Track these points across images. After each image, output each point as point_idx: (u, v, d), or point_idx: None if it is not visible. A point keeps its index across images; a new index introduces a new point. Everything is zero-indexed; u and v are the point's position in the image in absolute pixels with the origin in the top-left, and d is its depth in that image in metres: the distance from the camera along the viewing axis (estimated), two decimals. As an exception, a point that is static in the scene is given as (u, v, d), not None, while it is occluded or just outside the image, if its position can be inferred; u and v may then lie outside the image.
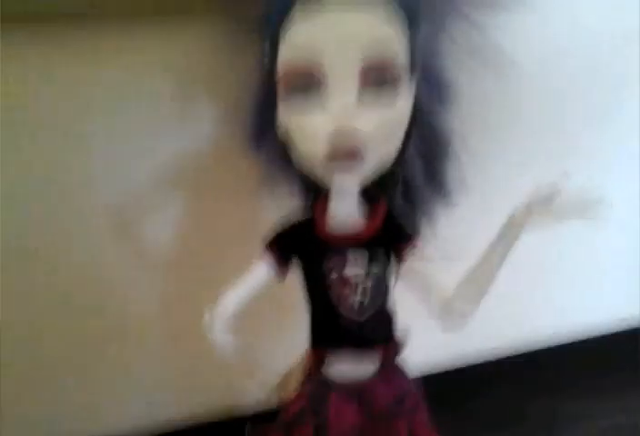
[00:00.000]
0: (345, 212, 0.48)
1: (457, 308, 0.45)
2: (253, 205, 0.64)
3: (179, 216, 0.64)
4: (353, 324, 0.48)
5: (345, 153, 0.40)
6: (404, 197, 0.55)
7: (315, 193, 0.53)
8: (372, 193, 0.49)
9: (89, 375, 0.70)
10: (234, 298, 0.49)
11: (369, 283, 0.47)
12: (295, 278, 0.50)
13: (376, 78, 0.40)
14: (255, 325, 0.67)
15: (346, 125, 0.40)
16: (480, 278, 0.44)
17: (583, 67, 0.70)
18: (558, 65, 0.68)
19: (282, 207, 0.59)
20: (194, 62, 0.56)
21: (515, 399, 0.82)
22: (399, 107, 0.42)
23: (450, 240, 0.56)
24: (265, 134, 0.53)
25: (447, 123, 0.54)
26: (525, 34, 0.63)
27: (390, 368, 0.51)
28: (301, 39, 0.40)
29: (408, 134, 0.45)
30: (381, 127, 0.41)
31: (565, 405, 0.82)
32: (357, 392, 0.49)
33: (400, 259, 0.48)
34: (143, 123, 0.59)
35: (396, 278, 0.50)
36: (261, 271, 0.49)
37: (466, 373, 0.81)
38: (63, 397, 0.70)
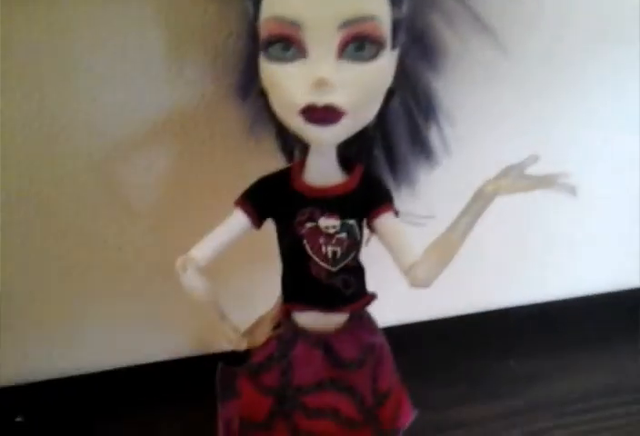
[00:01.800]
0: (322, 167, 0.48)
1: (420, 274, 0.46)
2: (239, 159, 0.64)
3: (165, 168, 0.64)
4: (325, 274, 0.49)
5: (323, 109, 0.41)
6: (386, 157, 0.56)
7: (290, 145, 0.54)
8: (350, 153, 0.50)
9: (72, 313, 0.73)
10: (208, 245, 0.49)
11: (344, 234, 0.48)
12: (270, 227, 0.51)
13: (357, 38, 0.40)
14: (228, 272, 0.69)
15: (325, 79, 0.40)
16: (445, 247, 0.45)
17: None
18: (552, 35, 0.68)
19: (268, 161, 0.60)
20: (182, 12, 0.56)
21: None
22: (380, 67, 0.42)
23: (428, 201, 0.57)
24: (251, 86, 0.54)
25: (434, 85, 0.55)
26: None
27: (358, 320, 0.53)
28: (279, 3, 0.40)
29: (391, 96, 0.45)
30: (360, 87, 0.41)
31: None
32: (324, 342, 0.51)
33: (374, 219, 0.49)
34: (128, 74, 0.58)
35: (369, 234, 0.51)
36: (236, 220, 0.50)
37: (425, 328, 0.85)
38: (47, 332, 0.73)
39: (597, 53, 0.71)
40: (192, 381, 0.72)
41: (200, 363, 0.76)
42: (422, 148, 0.57)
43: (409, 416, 0.55)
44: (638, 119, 0.78)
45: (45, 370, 0.76)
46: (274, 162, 0.58)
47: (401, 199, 0.55)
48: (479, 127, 0.70)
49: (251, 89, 0.54)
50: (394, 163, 0.57)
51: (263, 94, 0.46)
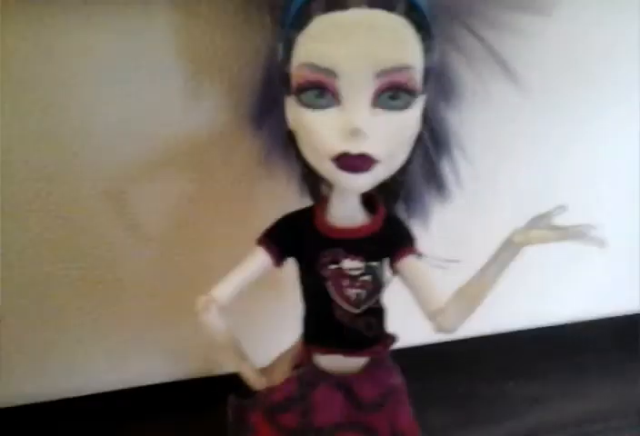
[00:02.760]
0: (347, 208, 0.48)
1: (446, 324, 0.46)
2: (251, 189, 0.64)
3: (174, 195, 0.64)
4: (348, 317, 0.49)
5: (357, 158, 0.41)
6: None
7: (316, 186, 0.53)
8: (373, 195, 0.50)
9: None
10: (229, 284, 0.49)
11: (368, 277, 0.48)
12: (291, 266, 0.51)
13: (392, 87, 0.40)
14: (249, 311, 0.68)
15: (360, 129, 0.39)
16: (471, 296, 0.45)
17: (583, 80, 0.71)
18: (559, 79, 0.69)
19: (281, 193, 0.60)
20: (201, 39, 0.56)
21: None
22: (412, 116, 0.42)
23: (444, 241, 0.57)
24: (266, 118, 0.53)
25: (449, 120, 0.55)
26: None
27: (379, 362, 0.52)
28: (316, 50, 0.39)
29: (419, 140, 0.45)
30: (393, 136, 0.41)
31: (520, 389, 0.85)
32: (345, 384, 0.51)
33: (398, 261, 0.49)
34: (142, 100, 0.58)
35: (391, 276, 0.51)
36: (258, 259, 0.49)
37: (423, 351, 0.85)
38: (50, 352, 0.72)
39: (605, 90, 0.72)
40: (194, 403, 0.72)
41: (202, 386, 0.76)
42: (435, 182, 0.58)
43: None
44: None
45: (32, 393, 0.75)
46: (286, 194, 0.59)
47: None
48: (493, 163, 0.71)
49: (265, 120, 0.54)
50: (407, 197, 0.57)
51: (289, 135, 0.46)
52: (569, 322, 0.95)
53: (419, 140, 0.47)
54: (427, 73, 0.42)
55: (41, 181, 0.59)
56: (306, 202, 0.54)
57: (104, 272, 0.67)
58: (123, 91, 0.57)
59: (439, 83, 0.51)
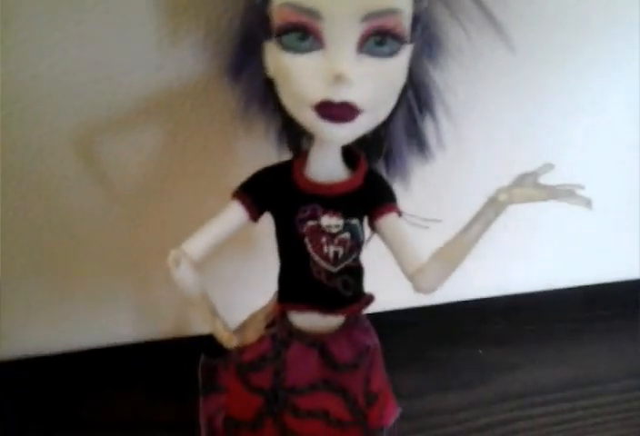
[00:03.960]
0: (326, 163, 0.46)
1: (426, 282, 0.45)
2: (227, 144, 0.62)
3: (146, 147, 0.61)
4: (325, 275, 0.47)
5: (340, 106, 0.39)
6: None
7: (296, 139, 0.52)
8: (354, 150, 0.48)
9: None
10: (202, 238, 0.47)
11: (347, 234, 0.47)
12: (267, 221, 0.49)
13: (379, 32, 0.38)
14: (222, 267, 0.67)
15: (344, 75, 0.37)
16: (452, 255, 0.44)
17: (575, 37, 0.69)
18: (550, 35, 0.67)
19: (258, 147, 0.58)
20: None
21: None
22: (399, 63, 0.40)
23: (425, 200, 0.56)
24: (245, 68, 0.51)
25: (433, 77, 0.53)
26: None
27: (354, 321, 0.51)
28: None
29: (404, 92, 0.44)
30: (379, 84, 0.40)
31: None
32: (319, 344, 0.50)
33: (378, 219, 0.47)
34: (113, 42, 0.54)
35: (370, 235, 0.49)
36: (233, 213, 0.47)
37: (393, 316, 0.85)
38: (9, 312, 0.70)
39: (604, 48, 0.71)
40: (169, 363, 0.71)
41: (178, 346, 0.75)
42: (417, 140, 0.56)
43: (393, 414, 0.55)
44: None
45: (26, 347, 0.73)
46: (263, 149, 0.57)
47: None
48: (478, 123, 0.69)
49: (243, 71, 0.52)
50: (388, 155, 0.55)
51: (267, 83, 0.44)
52: (540, 290, 0.96)
53: (403, 95, 0.45)
54: (415, 20, 0.40)
55: (4, 129, 0.56)
56: (286, 157, 0.52)
57: (70, 226, 0.64)
58: (92, 34, 0.53)
59: (424, 38, 0.49)
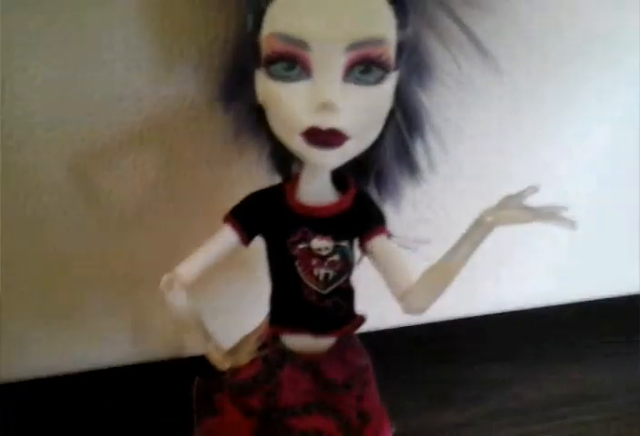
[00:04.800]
0: (316, 186, 0.47)
1: (415, 304, 0.46)
2: (218, 167, 0.63)
3: (139, 172, 0.62)
4: (316, 297, 0.48)
5: (327, 132, 0.40)
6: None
7: (286, 163, 0.52)
8: (343, 173, 0.49)
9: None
10: (195, 262, 0.48)
11: (336, 257, 0.47)
12: (258, 245, 0.50)
13: (364, 61, 0.39)
14: (213, 288, 0.67)
15: (331, 102, 0.38)
16: (441, 276, 0.44)
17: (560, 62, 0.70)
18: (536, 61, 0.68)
19: (249, 171, 0.59)
20: (169, 11, 0.53)
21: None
22: (384, 91, 0.42)
23: (414, 221, 0.57)
24: (236, 93, 0.52)
25: (422, 100, 0.54)
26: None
27: (347, 343, 0.52)
28: (286, 20, 0.38)
29: (390, 117, 0.45)
30: (365, 111, 0.41)
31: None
32: (312, 365, 0.50)
33: (368, 241, 0.48)
34: (107, 69, 0.55)
35: (360, 256, 0.50)
36: (225, 237, 0.48)
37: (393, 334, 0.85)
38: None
39: (588, 72, 0.72)
40: (164, 385, 0.71)
41: (173, 367, 0.75)
42: (408, 163, 0.57)
43: (388, 433, 0.55)
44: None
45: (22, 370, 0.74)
46: (255, 172, 0.58)
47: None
48: (468, 146, 0.70)
49: (235, 97, 0.53)
50: (379, 177, 0.56)
51: (258, 110, 0.45)
52: (536, 307, 0.96)
53: (391, 119, 0.46)
54: (401, 48, 0.41)
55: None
56: (277, 181, 0.53)
57: (65, 251, 0.65)
58: (87, 62, 0.54)
59: (412, 62, 0.50)
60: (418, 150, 0.55)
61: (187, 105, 0.58)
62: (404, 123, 0.52)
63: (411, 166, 0.56)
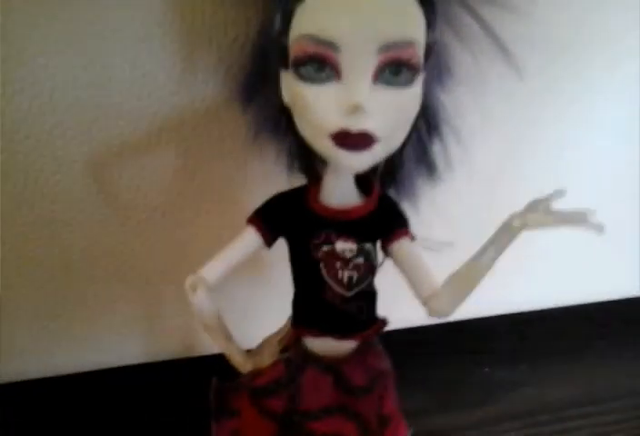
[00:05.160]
0: (341, 188, 0.47)
1: (441, 308, 0.46)
2: (239, 167, 0.62)
3: (159, 172, 0.62)
4: (340, 300, 0.48)
5: (357, 135, 0.39)
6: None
7: (309, 164, 0.52)
8: (368, 175, 0.48)
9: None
10: (219, 264, 0.47)
11: (361, 259, 0.47)
12: (281, 246, 0.50)
13: (395, 63, 0.39)
14: (236, 292, 0.67)
15: (361, 105, 0.38)
16: (466, 281, 0.44)
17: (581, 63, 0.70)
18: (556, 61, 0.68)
19: (269, 172, 0.58)
20: (189, 10, 0.53)
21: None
22: (414, 93, 0.41)
23: (434, 222, 0.56)
24: (256, 93, 0.52)
25: (441, 100, 0.54)
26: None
27: (369, 347, 0.51)
28: (317, 21, 0.38)
29: (417, 120, 0.44)
30: (395, 113, 0.40)
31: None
32: (334, 368, 0.50)
33: (391, 244, 0.48)
34: (127, 69, 0.55)
35: (383, 259, 0.50)
36: (249, 238, 0.48)
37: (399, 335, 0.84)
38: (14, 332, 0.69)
39: (610, 74, 0.72)
40: (178, 383, 0.71)
41: (187, 366, 0.75)
42: (426, 163, 0.57)
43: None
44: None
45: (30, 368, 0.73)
46: (274, 173, 0.57)
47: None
48: (487, 145, 0.70)
49: (254, 96, 0.52)
50: (398, 178, 0.56)
51: (282, 111, 0.44)
52: (544, 308, 0.96)
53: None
54: (429, 49, 0.41)
55: (19, 153, 0.57)
56: (295, 182, 0.52)
57: (81, 248, 0.65)
58: (107, 61, 0.54)
59: (433, 63, 0.49)
60: (436, 149, 0.55)
61: (207, 105, 0.58)
62: (423, 122, 0.52)
63: (429, 166, 0.56)
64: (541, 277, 0.93)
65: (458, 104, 0.55)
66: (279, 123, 0.48)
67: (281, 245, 0.50)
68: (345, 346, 0.50)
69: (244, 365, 0.50)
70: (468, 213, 0.73)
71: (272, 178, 0.56)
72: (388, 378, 0.52)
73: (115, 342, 0.74)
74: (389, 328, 0.82)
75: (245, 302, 0.72)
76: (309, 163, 0.50)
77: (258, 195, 0.50)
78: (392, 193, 0.56)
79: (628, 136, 0.79)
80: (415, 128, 0.51)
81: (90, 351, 0.74)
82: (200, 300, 0.46)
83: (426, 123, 0.53)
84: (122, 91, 0.56)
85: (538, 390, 0.83)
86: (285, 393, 0.49)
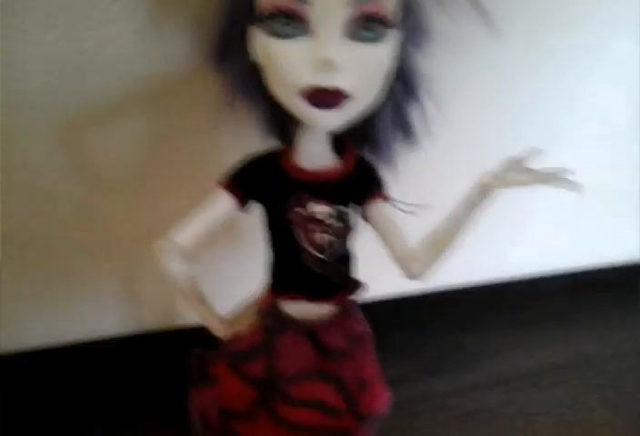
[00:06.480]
0: (315, 150, 0.46)
1: (417, 270, 0.46)
2: (212, 130, 0.61)
3: (132, 136, 0.60)
4: (317, 263, 0.47)
5: (327, 91, 0.38)
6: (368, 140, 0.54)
7: (283, 125, 0.51)
8: (343, 137, 0.48)
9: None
10: (191, 228, 0.46)
11: (334, 221, 0.46)
12: (256, 210, 0.49)
13: (366, 17, 0.38)
14: (212, 256, 0.66)
15: (332, 60, 0.37)
16: (442, 241, 0.44)
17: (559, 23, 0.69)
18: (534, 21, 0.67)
19: (241, 133, 0.57)
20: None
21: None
22: (385, 49, 0.40)
23: (412, 187, 0.56)
24: (229, 54, 0.50)
25: (419, 65, 0.53)
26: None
27: (346, 310, 0.51)
28: None
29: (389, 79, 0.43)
30: (366, 69, 0.39)
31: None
32: (311, 332, 0.49)
33: (367, 206, 0.47)
34: (98, 31, 0.53)
35: (360, 222, 0.49)
36: (221, 202, 0.46)
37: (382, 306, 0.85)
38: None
39: (588, 37, 0.71)
40: (157, 355, 0.71)
41: (166, 338, 0.74)
42: (403, 127, 0.56)
43: (386, 401, 0.55)
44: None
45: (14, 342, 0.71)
46: (247, 135, 0.56)
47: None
48: (466, 109, 0.69)
49: (227, 56, 0.51)
50: (374, 142, 0.55)
51: (253, 69, 0.43)
52: (520, 278, 0.96)
53: (389, 82, 0.45)
54: (405, 6, 0.40)
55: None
56: (271, 144, 0.52)
57: (58, 219, 0.63)
58: (77, 25, 0.52)
59: (409, 24, 0.48)
60: (414, 114, 0.55)
61: (179, 68, 0.57)
62: (400, 86, 0.51)
63: (405, 130, 0.55)
64: (528, 244, 0.93)
65: (437, 67, 0.54)
66: (251, 84, 0.47)
67: (253, 215, 0.49)
68: (323, 310, 0.50)
69: (221, 330, 0.49)
70: (446, 176, 0.72)
71: (246, 140, 0.55)
72: (367, 341, 0.52)
73: (95, 313, 0.73)
74: (376, 297, 0.83)
75: (222, 267, 0.71)
76: (283, 124, 0.49)
77: (232, 158, 0.49)
78: (369, 156, 0.56)
79: (612, 84, 0.79)
80: (392, 91, 0.50)
81: (71, 322, 0.73)
82: (170, 264, 0.45)
83: (402, 87, 0.52)
84: (93, 56, 0.54)
85: (520, 356, 0.85)
86: (264, 358, 0.49)
